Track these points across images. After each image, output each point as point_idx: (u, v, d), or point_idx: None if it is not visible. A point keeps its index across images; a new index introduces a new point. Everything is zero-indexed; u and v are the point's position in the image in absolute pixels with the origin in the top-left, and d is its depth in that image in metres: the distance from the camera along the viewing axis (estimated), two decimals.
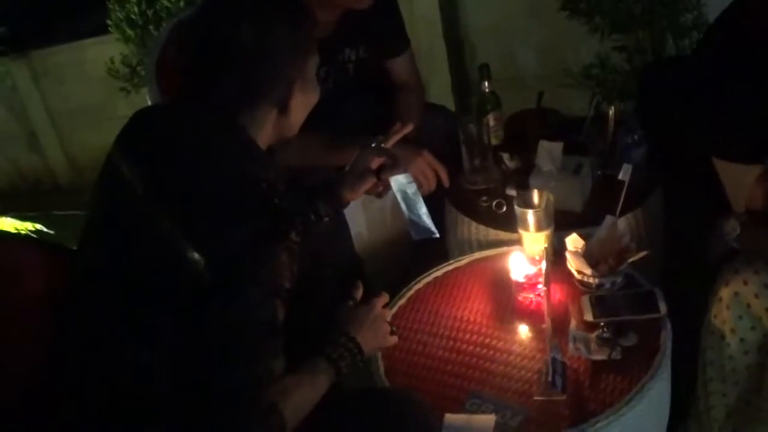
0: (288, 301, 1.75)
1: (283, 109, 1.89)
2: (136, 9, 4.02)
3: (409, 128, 2.46)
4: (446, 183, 2.78)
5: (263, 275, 1.69)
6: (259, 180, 1.77)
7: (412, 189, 2.39)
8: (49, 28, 4.98)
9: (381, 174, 2.34)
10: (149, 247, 1.70)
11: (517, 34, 4.12)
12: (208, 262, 1.62)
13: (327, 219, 2.34)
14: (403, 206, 2.41)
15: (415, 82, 3.15)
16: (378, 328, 2.08)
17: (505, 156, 2.86)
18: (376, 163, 2.35)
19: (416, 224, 2.42)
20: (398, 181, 2.38)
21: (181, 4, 3.89)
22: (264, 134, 1.90)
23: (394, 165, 2.36)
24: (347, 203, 2.38)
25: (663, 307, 2.22)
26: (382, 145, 2.39)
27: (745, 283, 2.15)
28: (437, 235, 2.44)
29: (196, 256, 1.62)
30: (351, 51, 2.97)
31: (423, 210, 2.41)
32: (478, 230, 2.73)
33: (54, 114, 4.94)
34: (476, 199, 2.80)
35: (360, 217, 2.95)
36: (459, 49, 4.26)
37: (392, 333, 2.13)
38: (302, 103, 1.96)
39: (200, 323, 1.65)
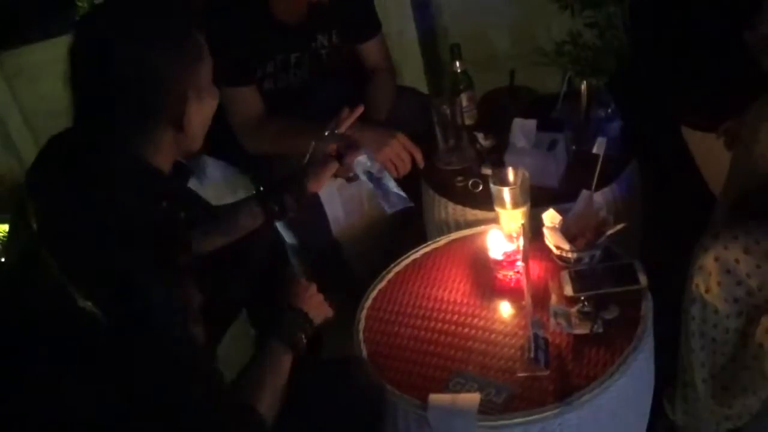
0: (201, 320, 1.70)
1: (179, 126, 1.76)
2: None
3: (359, 111, 2.48)
4: (421, 164, 2.78)
5: (162, 303, 1.59)
6: (154, 204, 1.72)
7: (375, 167, 2.42)
8: (19, 29, 4.93)
9: (343, 159, 2.36)
10: (41, 294, 1.63)
11: (489, 14, 4.09)
12: (97, 303, 1.54)
13: (291, 212, 2.35)
14: (370, 185, 2.45)
15: (387, 66, 3.15)
16: (314, 296, 2.13)
17: (480, 135, 2.86)
18: (333, 149, 2.36)
19: (387, 198, 2.45)
20: (360, 162, 2.42)
21: None
22: (163, 154, 1.79)
23: (353, 147, 2.39)
24: (312, 194, 2.39)
25: (643, 279, 2.22)
26: (336, 131, 2.40)
27: (737, 261, 2.15)
28: (412, 204, 2.47)
29: (86, 302, 1.54)
30: (323, 37, 2.96)
31: (391, 183, 2.45)
32: (455, 210, 2.72)
33: (29, 115, 4.89)
34: (452, 180, 2.79)
35: (336, 202, 2.95)
36: (430, 30, 4.24)
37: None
38: (200, 114, 1.84)
39: (119, 365, 1.58)
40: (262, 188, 2.38)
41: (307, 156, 2.39)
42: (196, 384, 1.63)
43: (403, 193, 2.48)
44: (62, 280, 1.56)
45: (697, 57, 2.72)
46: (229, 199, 2.45)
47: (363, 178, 2.45)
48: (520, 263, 2.22)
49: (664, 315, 2.25)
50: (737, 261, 2.14)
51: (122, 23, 1.71)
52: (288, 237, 2.96)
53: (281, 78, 2.94)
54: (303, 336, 2.01)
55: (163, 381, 1.60)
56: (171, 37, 1.72)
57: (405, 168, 2.75)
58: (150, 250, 1.61)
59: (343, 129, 2.42)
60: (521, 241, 2.19)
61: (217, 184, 3.05)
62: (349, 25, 3.01)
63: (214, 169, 3.09)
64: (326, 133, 2.40)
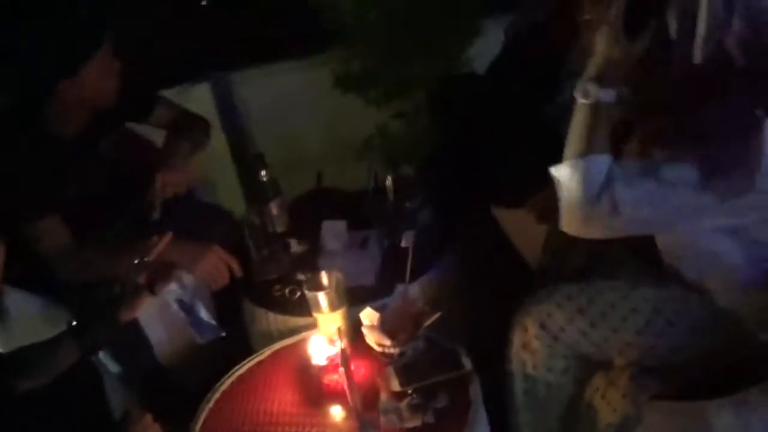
0: None
1: None
2: None
3: (168, 238, 2.44)
4: (239, 273, 2.75)
5: None
6: None
7: (187, 295, 2.39)
8: None
9: (154, 288, 2.33)
10: None
11: (295, 116, 4.13)
12: None
13: (107, 345, 2.30)
14: (182, 314, 2.41)
15: (177, 114, 3.12)
16: (148, 428, 2.10)
17: (293, 241, 2.87)
18: (145, 278, 2.33)
19: (199, 328, 2.42)
20: (171, 291, 2.38)
21: None
22: None
23: (164, 276, 2.35)
24: (126, 323, 2.33)
25: (467, 363, 2.26)
26: (146, 259, 2.37)
27: (549, 315, 2.22)
28: (223, 334, 2.45)
29: None
30: (104, 140, 2.90)
31: (203, 312, 2.42)
32: (276, 320, 2.71)
33: None
34: (270, 289, 2.79)
35: (158, 326, 2.88)
36: (240, 139, 4.25)
37: None
38: None
39: None
40: (74, 322, 2.31)
41: (118, 286, 2.34)
42: None
43: (214, 322, 2.47)
44: None
45: (499, 137, 2.81)
46: (49, 334, 2.37)
47: (175, 306, 2.43)
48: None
49: (498, 394, 2.28)
50: (550, 315, 2.21)
51: None
52: (111, 366, 2.88)
53: (80, 193, 2.85)
54: None
55: None
56: None
57: (223, 280, 2.72)
58: None
59: (153, 256, 2.38)
60: (340, 345, 2.19)
61: (33, 319, 2.94)
62: (129, 113, 2.98)
63: (29, 304, 2.97)
64: (136, 262, 2.36)
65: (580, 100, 1.92)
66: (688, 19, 1.81)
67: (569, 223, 1.96)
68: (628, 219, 1.89)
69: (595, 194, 1.87)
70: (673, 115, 1.88)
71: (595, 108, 1.90)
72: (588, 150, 1.90)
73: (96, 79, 2.65)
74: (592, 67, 1.92)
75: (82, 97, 2.68)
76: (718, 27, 1.79)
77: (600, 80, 1.90)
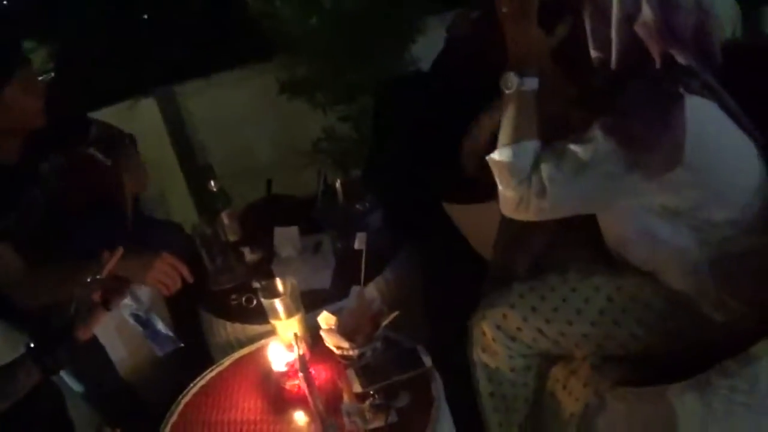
0: None
1: None
2: None
3: (119, 253, 2.43)
4: (190, 279, 2.72)
5: None
6: None
7: (142, 309, 2.38)
8: None
9: (109, 305, 2.32)
10: None
11: (244, 126, 4.14)
12: None
13: (66, 364, 2.29)
14: (139, 328, 2.40)
15: (103, 128, 3.07)
16: None
17: (246, 250, 2.87)
18: (99, 294, 2.32)
19: (157, 340, 2.41)
20: (126, 306, 2.37)
21: None
22: None
23: (118, 292, 2.34)
24: (84, 342, 2.32)
25: (427, 360, 2.27)
26: (98, 276, 2.35)
27: (505, 317, 2.24)
28: (181, 344, 2.43)
29: None
30: (45, 164, 2.87)
31: (159, 325, 2.41)
32: (234, 329, 2.71)
33: None
34: (226, 299, 2.79)
35: (117, 343, 2.87)
36: (190, 152, 4.24)
37: None
38: None
39: None
40: (32, 344, 2.29)
41: (73, 305, 2.33)
42: None
43: (171, 333, 2.45)
44: None
45: (447, 133, 2.81)
46: (7, 358, 2.35)
47: (131, 321, 2.41)
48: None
49: (462, 388, 2.30)
50: (505, 317, 2.23)
51: None
52: (75, 386, 2.86)
53: (26, 221, 2.82)
54: None
55: None
56: None
57: (175, 285, 2.68)
58: None
59: (105, 273, 2.37)
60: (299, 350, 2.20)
61: None
62: (68, 134, 2.95)
63: None
64: (88, 280, 2.34)
65: (504, 91, 2.02)
66: (603, 10, 1.90)
67: (505, 207, 2.07)
68: (557, 200, 1.98)
69: (525, 178, 1.98)
70: (598, 99, 1.97)
71: (519, 97, 2.01)
72: (517, 136, 2.01)
73: (20, 101, 2.62)
74: (511, 59, 2.02)
75: (9, 121, 2.65)
76: (630, 16, 1.89)
77: (520, 71, 2.00)
